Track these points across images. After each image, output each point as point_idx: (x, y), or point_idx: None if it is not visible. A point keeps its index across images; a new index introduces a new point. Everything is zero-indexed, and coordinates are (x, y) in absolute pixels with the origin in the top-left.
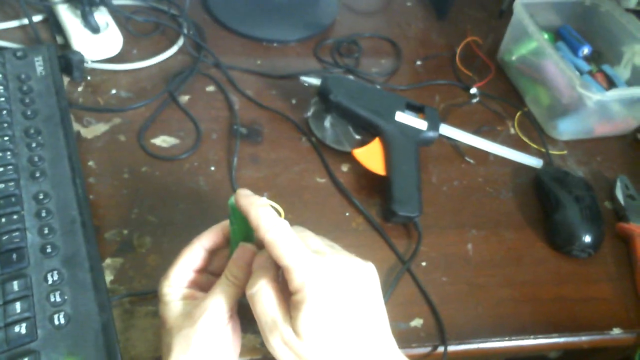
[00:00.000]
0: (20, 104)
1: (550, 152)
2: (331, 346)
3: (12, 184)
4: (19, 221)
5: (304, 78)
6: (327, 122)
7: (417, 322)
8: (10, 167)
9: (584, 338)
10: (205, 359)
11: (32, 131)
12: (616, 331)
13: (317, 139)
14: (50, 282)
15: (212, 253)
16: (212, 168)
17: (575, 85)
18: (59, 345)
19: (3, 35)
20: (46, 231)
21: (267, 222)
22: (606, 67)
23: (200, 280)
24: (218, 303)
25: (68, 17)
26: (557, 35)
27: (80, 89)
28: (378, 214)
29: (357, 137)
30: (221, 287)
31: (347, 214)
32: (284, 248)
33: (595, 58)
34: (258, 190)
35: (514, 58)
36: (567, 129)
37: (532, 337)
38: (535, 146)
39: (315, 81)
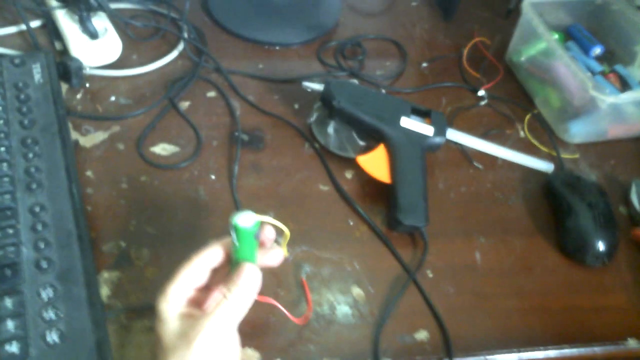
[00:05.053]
0: (17, 113)
1: (562, 155)
2: None
3: (7, 196)
4: (14, 235)
5: (306, 83)
6: (331, 128)
7: (422, 335)
8: (6, 179)
9: (597, 349)
10: None
11: (29, 141)
12: (631, 342)
13: (321, 145)
14: (44, 298)
15: (212, 270)
16: (213, 177)
17: (588, 87)
18: None
19: (0, 41)
20: (42, 245)
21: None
22: (619, 68)
23: (199, 297)
24: (215, 323)
25: (66, 23)
26: (568, 35)
27: (79, 96)
28: (383, 222)
29: (362, 143)
30: (219, 307)
31: (350, 222)
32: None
33: (607, 58)
34: (259, 200)
35: (523, 59)
36: (579, 131)
37: (542, 348)
38: (545, 150)
39: (318, 86)
